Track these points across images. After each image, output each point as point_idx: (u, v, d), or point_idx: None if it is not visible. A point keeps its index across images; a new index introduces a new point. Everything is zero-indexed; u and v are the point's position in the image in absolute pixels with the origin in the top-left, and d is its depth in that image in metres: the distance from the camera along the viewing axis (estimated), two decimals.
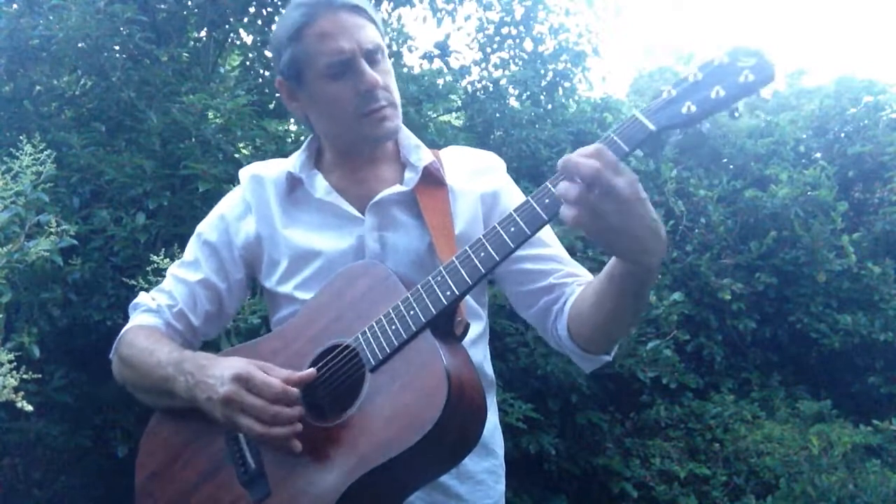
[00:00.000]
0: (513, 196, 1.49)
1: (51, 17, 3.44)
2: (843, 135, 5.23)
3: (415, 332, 1.17)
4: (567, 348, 1.37)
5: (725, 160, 5.01)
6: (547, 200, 1.11)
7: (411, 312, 1.18)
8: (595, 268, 1.31)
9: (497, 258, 1.14)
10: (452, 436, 1.13)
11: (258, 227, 1.44)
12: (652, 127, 1.05)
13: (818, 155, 5.24)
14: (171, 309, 1.46)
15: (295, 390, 1.20)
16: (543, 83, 4.86)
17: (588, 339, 1.31)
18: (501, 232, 1.14)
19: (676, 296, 3.78)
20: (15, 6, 3.62)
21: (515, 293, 1.44)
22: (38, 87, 3.68)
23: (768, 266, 4.48)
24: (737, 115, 1.11)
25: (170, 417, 1.40)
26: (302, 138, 3.31)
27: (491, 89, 4.81)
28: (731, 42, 1.09)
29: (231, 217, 1.48)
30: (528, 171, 4.34)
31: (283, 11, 1.41)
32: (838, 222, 4.42)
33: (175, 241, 2.63)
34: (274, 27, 1.45)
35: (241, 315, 2.71)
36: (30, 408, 1.88)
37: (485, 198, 1.46)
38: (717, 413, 4.15)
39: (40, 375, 2.08)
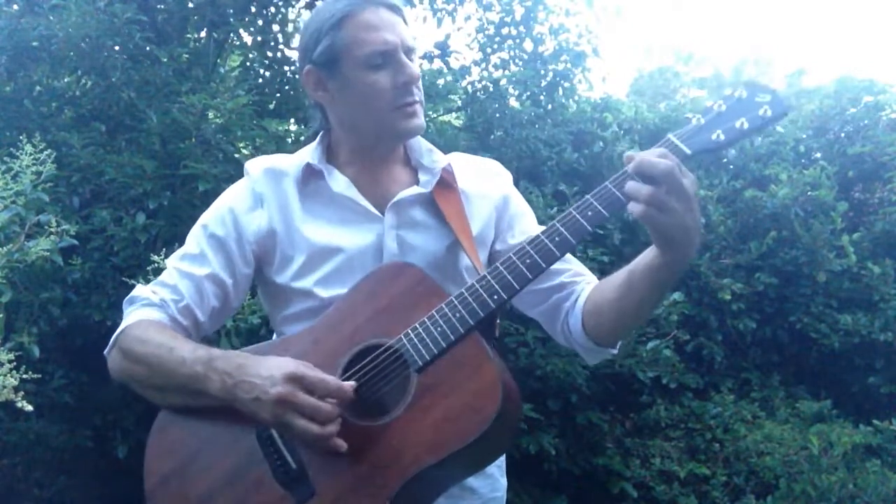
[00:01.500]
0: (520, 204, 1.55)
1: (51, 17, 3.44)
2: (843, 135, 5.21)
3: (462, 334, 1.21)
4: (578, 342, 1.42)
5: (725, 160, 4.99)
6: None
7: (457, 315, 1.22)
8: (595, 268, 1.37)
9: (544, 265, 1.23)
10: (500, 432, 1.19)
11: (271, 222, 1.42)
12: (688, 151, 1.17)
13: (818, 155, 5.22)
14: (177, 304, 1.40)
15: (349, 385, 1.20)
16: (543, 83, 4.84)
17: (606, 331, 1.38)
18: (547, 242, 1.23)
19: (676, 296, 3.78)
20: (15, 6, 3.63)
21: (523, 291, 1.44)
22: (38, 87, 3.68)
23: (768, 266, 4.47)
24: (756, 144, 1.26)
25: (181, 417, 1.33)
26: (302, 138, 3.31)
27: (491, 89, 4.80)
28: (747, 79, 1.20)
29: (240, 210, 1.44)
30: (528, 171, 4.34)
31: (320, 4, 1.43)
32: (838, 222, 4.41)
33: (175, 241, 2.63)
34: (306, 18, 1.51)
35: (241, 315, 2.71)
36: (30, 408, 1.88)
37: (497, 202, 1.51)
38: (717, 413, 4.15)
39: (40, 375, 2.08)
